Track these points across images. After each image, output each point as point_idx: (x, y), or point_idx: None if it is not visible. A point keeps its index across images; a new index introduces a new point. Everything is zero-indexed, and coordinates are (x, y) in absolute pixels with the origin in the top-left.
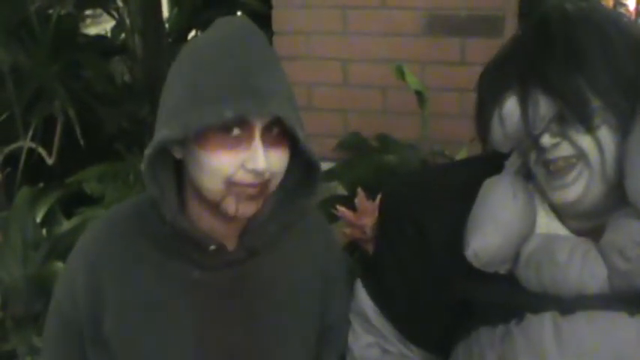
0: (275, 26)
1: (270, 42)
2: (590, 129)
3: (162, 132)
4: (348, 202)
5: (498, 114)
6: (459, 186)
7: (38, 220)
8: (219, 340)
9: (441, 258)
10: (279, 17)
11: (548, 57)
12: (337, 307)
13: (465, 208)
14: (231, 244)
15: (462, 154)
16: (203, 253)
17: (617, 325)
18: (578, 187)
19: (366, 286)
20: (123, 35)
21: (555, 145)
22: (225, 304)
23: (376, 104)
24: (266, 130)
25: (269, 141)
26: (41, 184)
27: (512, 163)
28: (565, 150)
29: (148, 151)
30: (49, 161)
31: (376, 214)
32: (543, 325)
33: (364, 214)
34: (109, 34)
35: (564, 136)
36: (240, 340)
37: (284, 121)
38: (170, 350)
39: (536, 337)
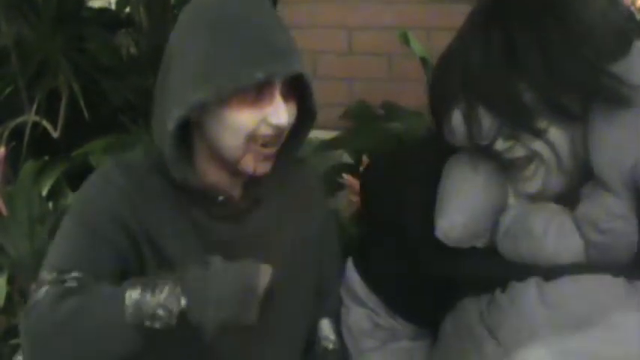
0: None
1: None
2: (537, 135)
3: (196, 95)
4: (354, 170)
5: (447, 126)
6: (434, 161)
7: (44, 193)
8: None
9: (418, 235)
10: None
11: (486, 67)
12: (330, 267)
13: (435, 185)
14: (237, 194)
15: None
16: (212, 203)
17: (604, 284)
18: (538, 181)
19: (354, 260)
20: (128, 8)
21: (509, 148)
22: (234, 255)
23: (381, 72)
24: (284, 86)
25: (286, 95)
26: (46, 158)
27: None
28: (519, 151)
29: (179, 113)
30: (55, 134)
31: None
32: (528, 289)
33: None
34: (113, 7)
35: (517, 139)
36: None
37: (303, 78)
38: None
39: (522, 301)
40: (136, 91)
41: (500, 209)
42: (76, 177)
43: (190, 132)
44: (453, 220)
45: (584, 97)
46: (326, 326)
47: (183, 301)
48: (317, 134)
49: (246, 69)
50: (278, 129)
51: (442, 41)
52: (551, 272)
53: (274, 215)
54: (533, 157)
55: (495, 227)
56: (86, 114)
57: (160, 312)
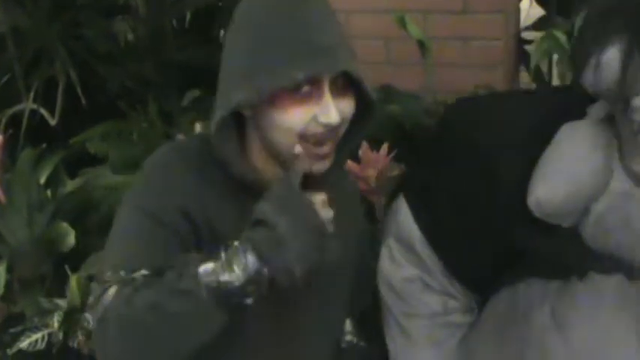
0: None
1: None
2: None
3: (237, 95)
4: (353, 153)
5: (596, 59)
6: (534, 126)
7: (42, 181)
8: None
9: (508, 201)
10: None
11: None
12: (362, 271)
13: (538, 151)
14: None
15: None
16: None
17: None
18: None
19: (415, 213)
20: None
21: None
22: None
23: (379, 55)
24: (332, 83)
25: (336, 92)
26: (44, 145)
27: (596, 112)
28: None
29: (221, 113)
30: (52, 122)
31: (380, 165)
32: (609, 286)
33: (368, 166)
34: None
35: None
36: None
37: (351, 74)
38: None
39: (600, 297)
40: (134, 78)
41: (599, 193)
42: (74, 164)
43: (245, 125)
44: (554, 192)
45: None
46: (349, 325)
47: (265, 270)
48: None
49: (285, 69)
50: (329, 127)
51: (439, 24)
52: (637, 271)
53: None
54: None
55: (586, 211)
56: (83, 101)
57: (249, 287)
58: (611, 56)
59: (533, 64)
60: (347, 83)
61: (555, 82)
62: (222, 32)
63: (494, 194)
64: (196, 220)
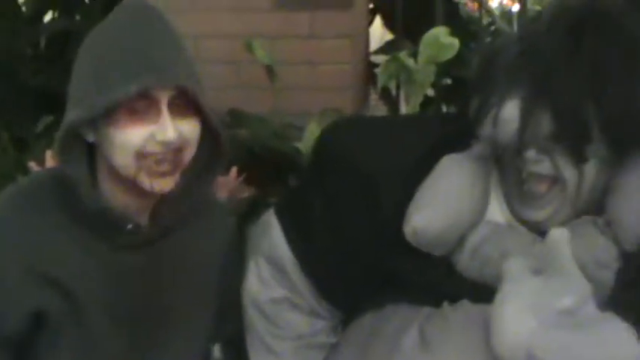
0: None
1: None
2: (579, 160)
3: (71, 115)
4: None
5: (495, 113)
6: (419, 155)
7: None
8: (131, 320)
9: (385, 227)
10: None
11: (570, 75)
12: (231, 290)
13: (420, 178)
14: (143, 222)
15: (312, 126)
16: (120, 232)
17: None
18: (548, 211)
19: (287, 233)
20: None
21: (539, 162)
22: (140, 283)
23: (228, 79)
24: (173, 103)
25: (177, 112)
26: None
27: (481, 151)
28: (546, 169)
29: (58, 135)
30: None
31: (230, 187)
32: (483, 315)
33: (218, 189)
34: None
35: (550, 156)
36: (150, 319)
37: (188, 92)
38: (86, 327)
39: (474, 325)
40: None
41: (475, 225)
42: None
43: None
44: (431, 223)
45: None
46: (217, 350)
47: None
48: None
49: (117, 84)
50: (166, 145)
51: (286, 48)
52: None
53: (182, 241)
54: (556, 181)
55: (461, 241)
56: None
57: None
58: (511, 111)
59: (380, 86)
60: (191, 107)
61: (403, 102)
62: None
63: (372, 218)
64: (41, 276)
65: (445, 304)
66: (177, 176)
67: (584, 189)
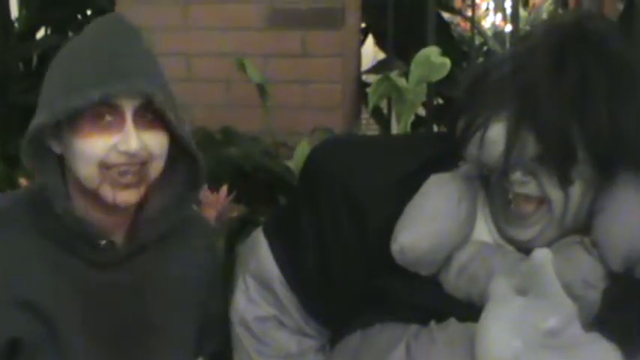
0: None
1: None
2: (564, 182)
3: (35, 121)
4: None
5: (481, 135)
6: (407, 174)
7: None
8: (109, 339)
9: (373, 246)
10: (122, 14)
11: (555, 96)
12: (215, 307)
13: (407, 197)
14: (119, 240)
15: (303, 145)
16: (94, 248)
17: None
18: (534, 230)
19: (275, 251)
20: None
21: (525, 183)
22: (115, 308)
23: (220, 98)
24: (139, 114)
25: (143, 123)
26: None
27: (468, 172)
28: (532, 190)
29: (23, 142)
30: None
31: (220, 206)
32: (470, 334)
33: (208, 207)
34: None
35: (536, 177)
36: (129, 337)
37: (153, 103)
38: (63, 349)
39: (461, 343)
40: None
41: (462, 244)
42: None
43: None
44: (417, 242)
45: (626, 165)
46: None
47: None
48: None
49: (81, 90)
50: (129, 157)
51: (278, 67)
52: None
53: (160, 258)
54: (542, 201)
55: (448, 260)
56: None
57: None
58: (496, 133)
59: (371, 105)
60: (159, 120)
61: (394, 121)
62: None
63: (359, 237)
64: (12, 300)
65: (432, 322)
66: (141, 190)
67: (571, 209)
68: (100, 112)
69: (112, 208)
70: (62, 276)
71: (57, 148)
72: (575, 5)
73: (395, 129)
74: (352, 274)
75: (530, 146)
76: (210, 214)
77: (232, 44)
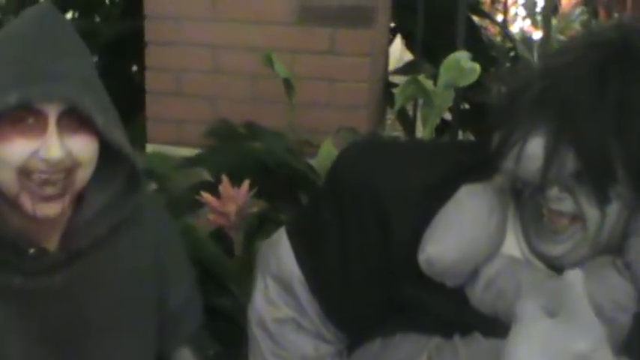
0: (146, 10)
1: (142, 27)
2: (602, 201)
3: None
4: (213, 188)
5: (519, 149)
6: (433, 182)
7: None
8: (49, 351)
9: (398, 254)
10: (151, 1)
11: (595, 114)
12: (175, 296)
13: (433, 207)
14: (52, 246)
15: (327, 144)
16: (22, 257)
17: None
18: (566, 246)
19: (298, 254)
20: None
21: (560, 199)
22: (53, 311)
23: (245, 92)
24: (65, 118)
25: (69, 127)
26: None
27: (500, 184)
28: (568, 207)
29: None
30: None
31: (240, 201)
32: (494, 350)
33: (228, 201)
34: None
35: (573, 194)
36: (73, 348)
37: (79, 109)
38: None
39: (484, 354)
40: None
41: (491, 257)
42: None
43: None
44: (446, 253)
45: None
46: (187, 357)
47: None
48: (180, 151)
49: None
50: (50, 163)
51: (306, 63)
52: None
53: (103, 260)
54: (577, 219)
55: (475, 273)
56: None
57: None
58: (535, 148)
59: (397, 107)
60: (86, 123)
61: (419, 124)
62: (95, 59)
63: (383, 244)
64: None
65: (456, 336)
66: (66, 200)
67: (605, 229)
68: (21, 115)
69: (34, 218)
70: None
71: None
72: (605, 15)
73: (419, 132)
74: (374, 281)
75: (569, 163)
76: (231, 208)
77: (260, 38)
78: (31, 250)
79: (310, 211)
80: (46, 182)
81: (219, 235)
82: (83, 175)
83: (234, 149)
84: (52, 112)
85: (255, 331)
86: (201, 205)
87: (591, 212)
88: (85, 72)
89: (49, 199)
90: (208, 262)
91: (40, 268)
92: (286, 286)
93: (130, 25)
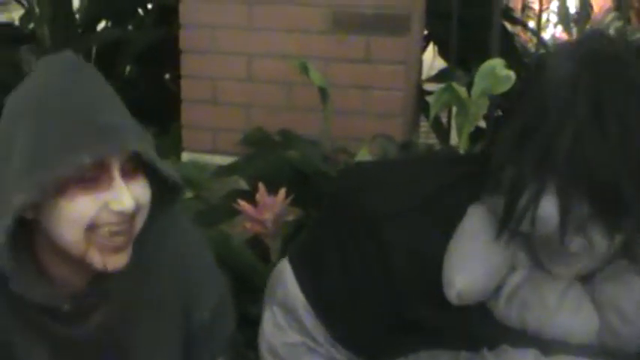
0: (182, 19)
1: (175, 35)
2: (614, 235)
3: (19, 197)
4: (249, 196)
5: (532, 214)
6: (427, 195)
7: None
8: None
9: (401, 278)
10: (186, 10)
11: (602, 154)
12: (204, 309)
13: (429, 220)
14: (80, 284)
15: (362, 152)
16: (57, 316)
17: None
18: (576, 268)
19: (300, 279)
20: (32, 24)
21: (575, 240)
22: (93, 347)
23: (280, 100)
24: (123, 167)
25: (128, 175)
26: None
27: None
28: (581, 247)
29: (6, 222)
30: None
31: (277, 209)
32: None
33: (265, 209)
34: (17, 23)
35: (589, 238)
36: None
37: (142, 156)
38: None
39: None
40: None
41: (510, 273)
42: None
43: (28, 228)
44: (474, 282)
45: None
46: None
47: None
48: (215, 159)
49: (68, 155)
50: (123, 215)
51: (340, 71)
52: (552, 347)
53: (129, 292)
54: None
55: (496, 289)
56: None
57: None
58: (548, 210)
59: (431, 115)
60: (137, 166)
61: (454, 132)
62: (127, 68)
63: (385, 267)
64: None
65: (484, 349)
66: (130, 249)
67: (614, 248)
68: (85, 171)
69: (96, 272)
70: (37, 336)
71: (29, 214)
72: (638, 21)
73: (454, 140)
74: (379, 303)
75: (584, 210)
76: (267, 216)
77: (295, 46)
78: (66, 307)
79: (311, 238)
80: (115, 233)
81: (255, 243)
82: (142, 219)
83: (270, 157)
84: (116, 163)
85: (267, 358)
86: (236, 213)
87: (602, 242)
88: (127, 115)
89: (117, 249)
90: (244, 270)
91: (78, 314)
92: (292, 313)
93: (162, 33)
